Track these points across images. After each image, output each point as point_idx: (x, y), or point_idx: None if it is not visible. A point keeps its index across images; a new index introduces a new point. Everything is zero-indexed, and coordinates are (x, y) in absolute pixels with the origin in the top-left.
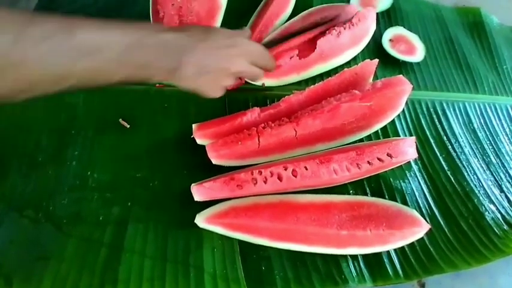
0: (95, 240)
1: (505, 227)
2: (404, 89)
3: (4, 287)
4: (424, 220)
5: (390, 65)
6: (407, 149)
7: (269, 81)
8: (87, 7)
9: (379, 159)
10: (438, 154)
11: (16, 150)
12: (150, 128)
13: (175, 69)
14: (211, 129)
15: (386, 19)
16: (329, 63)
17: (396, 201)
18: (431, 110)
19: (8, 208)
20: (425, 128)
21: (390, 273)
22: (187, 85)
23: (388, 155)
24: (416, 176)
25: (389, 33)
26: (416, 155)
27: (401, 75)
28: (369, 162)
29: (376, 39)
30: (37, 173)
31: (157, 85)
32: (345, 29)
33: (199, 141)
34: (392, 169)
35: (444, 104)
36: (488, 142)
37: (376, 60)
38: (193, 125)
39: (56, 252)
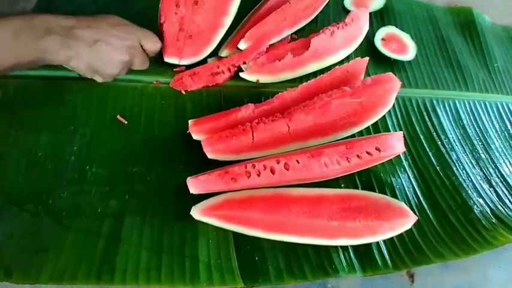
0: (93, 232)
1: (494, 220)
2: (393, 85)
3: (4, 278)
4: (411, 212)
5: (382, 63)
6: (395, 143)
7: (264, 78)
8: (87, 6)
9: (368, 152)
10: (428, 150)
11: (16, 146)
12: (147, 124)
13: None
14: (206, 125)
15: (379, 19)
16: (323, 61)
17: (386, 195)
18: (422, 107)
19: (8, 202)
20: (416, 124)
21: (379, 263)
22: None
23: (377, 149)
24: (406, 171)
25: (381, 33)
26: (404, 149)
27: (390, 73)
28: (358, 156)
29: (369, 38)
30: (36, 168)
31: (155, 82)
32: (338, 28)
33: (195, 136)
34: (382, 164)
35: (434, 101)
36: (477, 138)
37: (367, 58)
38: (189, 121)
39: (55, 244)
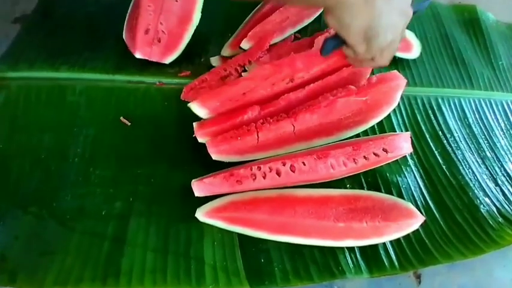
0: (98, 234)
1: (500, 219)
2: (398, 83)
3: (8, 283)
4: (418, 212)
5: None
6: (402, 144)
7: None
8: (88, 6)
9: (375, 154)
10: (434, 149)
11: (19, 148)
12: (150, 125)
13: None
14: (212, 128)
15: None
16: None
17: (392, 194)
18: (427, 105)
19: (12, 205)
20: (421, 123)
21: (386, 264)
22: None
23: (384, 150)
24: (412, 171)
25: None
26: (411, 150)
27: (395, 70)
28: (365, 157)
29: None
30: (40, 170)
31: (158, 83)
32: None
33: (200, 139)
34: (388, 164)
35: (440, 100)
36: (483, 137)
37: None
38: (194, 124)
39: (60, 246)
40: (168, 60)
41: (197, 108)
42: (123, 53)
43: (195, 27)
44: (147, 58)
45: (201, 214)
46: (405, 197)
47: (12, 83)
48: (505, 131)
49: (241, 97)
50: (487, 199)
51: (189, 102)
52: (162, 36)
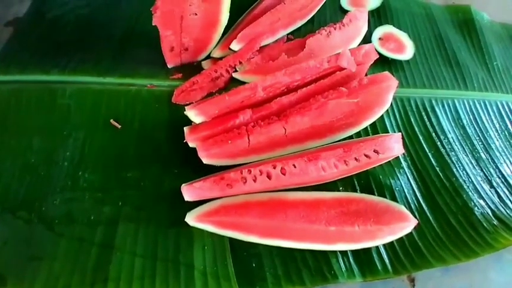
0: (86, 240)
1: (495, 222)
2: (390, 84)
3: None
4: (411, 215)
5: (380, 63)
6: (393, 145)
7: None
8: (79, 8)
9: (366, 155)
10: (427, 151)
11: (9, 152)
12: (141, 128)
13: None
14: (203, 133)
15: (376, 17)
16: None
17: (386, 197)
18: (421, 107)
19: (2, 209)
20: (415, 125)
21: (379, 268)
22: None
23: (375, 151)
24: (405, 173)
25: (378, 32)
26: (402, 151)
27: (387, 71)
28: (356, 159)
29: (366, 37)
30: (30, 174)
31: (149, 85)
32: (335, 29)
33: (191, 144)
34: (381, 166)
35: (433, 101)
36: (477, 138)
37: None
38: (185, 129)
39: (49, 252)
40: (200, 58)
41: (194, 116)
42: (114, 56)
43: (224, 26)
44: (179, 65)
45: (191, 218)
46: (398, 200)
47: (2, 87)
48: (499, 132)
49: (238, 104)
50: (481, 201)
51: (179, 105)
52: (188, 45)
